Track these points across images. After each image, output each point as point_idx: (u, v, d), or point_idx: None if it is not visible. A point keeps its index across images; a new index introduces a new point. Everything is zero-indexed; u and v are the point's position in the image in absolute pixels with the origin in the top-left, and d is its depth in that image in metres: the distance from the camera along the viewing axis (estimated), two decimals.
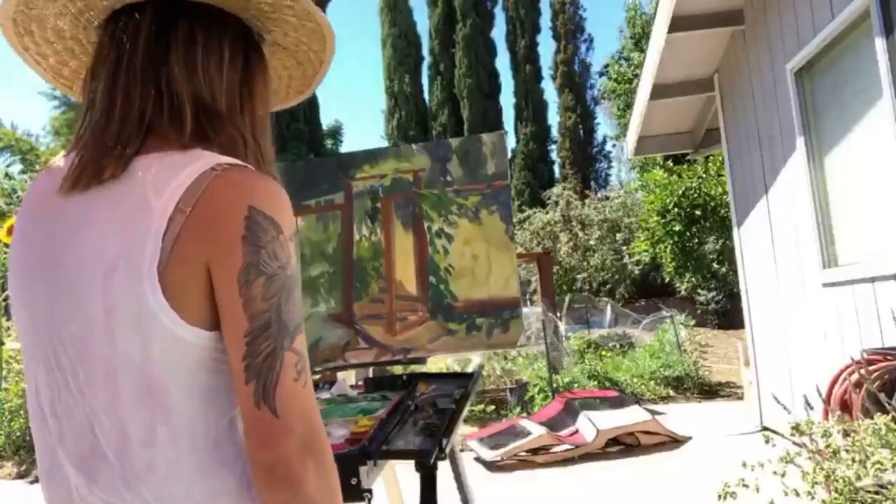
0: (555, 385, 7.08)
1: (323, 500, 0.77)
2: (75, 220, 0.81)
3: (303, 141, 23.92)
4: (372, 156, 2.10)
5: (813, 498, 2.00)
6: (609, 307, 13.74)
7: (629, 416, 5.35)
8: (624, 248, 15.89)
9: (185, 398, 0.78)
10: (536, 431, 5.17)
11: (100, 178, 0.80)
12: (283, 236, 0.80)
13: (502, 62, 38.15)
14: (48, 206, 0.84)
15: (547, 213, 17.39)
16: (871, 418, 2.08)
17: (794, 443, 2.13)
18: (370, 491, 1.35)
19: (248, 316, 0.77)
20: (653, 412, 5.98)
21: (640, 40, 15.32)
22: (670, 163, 13.37)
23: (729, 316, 12.40)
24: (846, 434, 2.08)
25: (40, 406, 0.83)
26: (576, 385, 7.32)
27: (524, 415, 6.28)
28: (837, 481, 1.92)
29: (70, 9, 0.89)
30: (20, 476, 5.59)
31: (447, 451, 1.45)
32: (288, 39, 0.99)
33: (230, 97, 0.87)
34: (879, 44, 3.22)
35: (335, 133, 29.84)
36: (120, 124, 0.82)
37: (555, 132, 25.18)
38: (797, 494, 2.01)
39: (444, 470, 1.50)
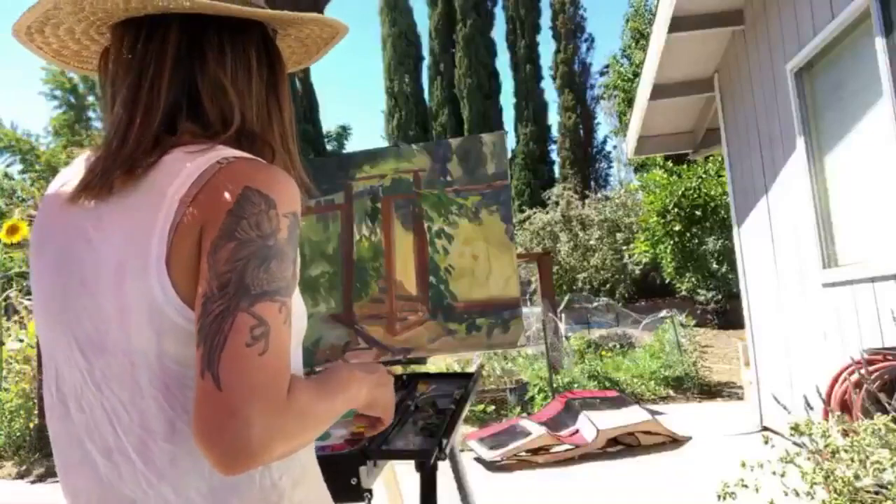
0: (555, 385, 7.08)
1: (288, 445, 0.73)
2: (85, 226, 0.82)
3: (308, 142, 24.01)
4: (372, 156, 2.10)
5: (812, 498, 2.00)
6: (605, 307, 13.71)
7: (629, 416, 5.35)
8: (624, 248, 15.89)
9: None
10: (536, 431, 5.17)
11: (108, 193, 0.81)
12: (275, 211, 0.76)
13: (502, 62, 38.22)
14: (59, 215, 0.85)
15: (547, 213, 17.40)
16: (871, 418, 2.08)
17: (794, 443, 2.13)
18: (370, 491, 1.36)
19: (208, 279, 0.72)
20: (653, 412, 5.98)
21: (640, 39, 15.31)
22: (670, 163, 13.37)
23: (729, 316, 12.39)
24: (846, 434, 2.08)
25: (62, 401, 0.84)
26: (576, 385, 7.32)
27: (524, 415, 6.27)
28: (837, 481, 1.92)
29: (90, 18, 0.87)
30: (20, 476, 5.57)
31: (447, 451, 1.45)
32: (303, 34, 1.01)
33: (259, 109, 0.88)
34: (879, 44, 3.22)
35: (340, 136, 29.91)
36: (135, 145, 0.81)
37: (555, 132, 25.19)
38: (797, 494, 2.01)
39: (444, 470, 1.50)
